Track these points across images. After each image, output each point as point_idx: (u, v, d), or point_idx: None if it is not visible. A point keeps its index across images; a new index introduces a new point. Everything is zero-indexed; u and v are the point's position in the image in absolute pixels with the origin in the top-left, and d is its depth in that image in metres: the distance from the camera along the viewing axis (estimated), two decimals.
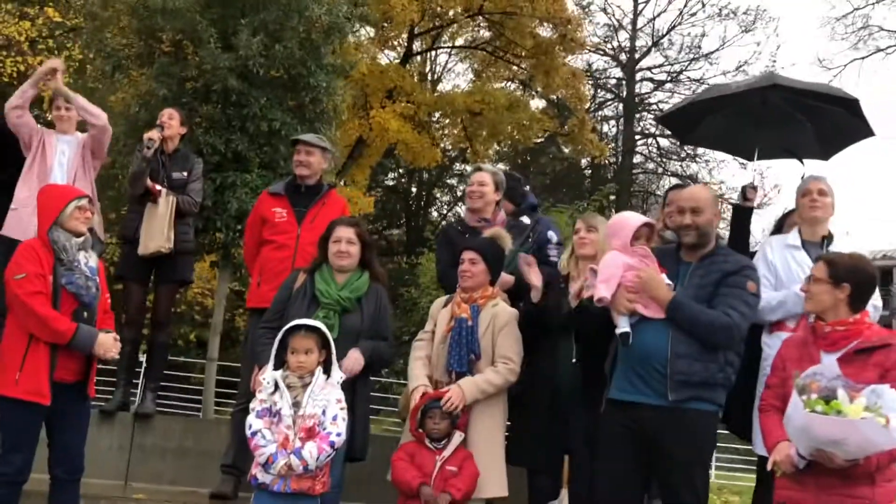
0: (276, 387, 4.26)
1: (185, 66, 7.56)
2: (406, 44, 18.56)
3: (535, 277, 4.79)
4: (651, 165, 32.21)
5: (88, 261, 4.40)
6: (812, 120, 5.14)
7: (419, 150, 16.08)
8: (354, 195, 16.60)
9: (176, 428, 5.92)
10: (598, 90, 31.91)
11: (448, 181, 30.69)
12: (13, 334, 4.22)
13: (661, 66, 31.40)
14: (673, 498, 4.10)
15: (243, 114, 7.54)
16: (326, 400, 4.25)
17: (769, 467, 3.69)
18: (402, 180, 29.40)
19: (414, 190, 31.22)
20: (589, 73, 30.19)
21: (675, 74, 31.12)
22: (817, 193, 4.73)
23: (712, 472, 13.64)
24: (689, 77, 30.65)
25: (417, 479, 4.40)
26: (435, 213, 32.14)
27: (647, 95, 31.77)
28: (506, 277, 5.12)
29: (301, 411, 4.19)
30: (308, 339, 4.29)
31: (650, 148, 32.06)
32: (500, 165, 30.89)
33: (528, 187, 6.12)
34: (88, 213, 4.43)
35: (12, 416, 4.18)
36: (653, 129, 31.43)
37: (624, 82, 31.73)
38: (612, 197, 21.21)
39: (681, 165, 30.98)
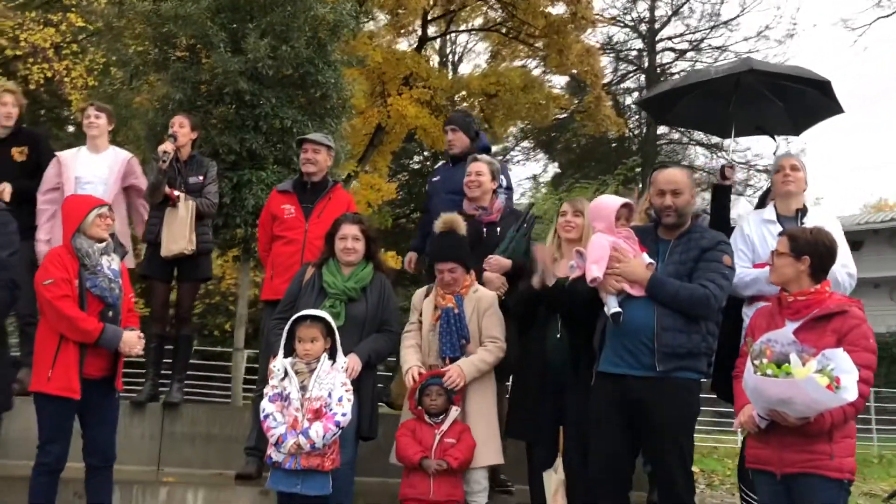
0: (286, 373, 4.63)
1: (199, 70, 7.90)
2: (420, 30, 18.79)
3: (547, 277, 5.00)
4: (676, 136, 32.13)
5: (111, 264, 4.76)
6: (783, 99, 5.38)
7: (437, 134, 16.31)
8: (376, 182, 16.96)
9: (203, 415, 6.31)
10: (620, 62, 31.94)
11: None
12: (45, 335, 4.62)
13: (681, 35, 31.35)
14: (660, 462, 4.41)
15: (256, 113, 7.87)
16: (332, 383, 4.60)
17: (734, 427, 3.98)
18: (427, 163, 29.71)
19: None
20: (609, 46, 30.26)
21: (696, 43, 31.05)
22: (790, 169, 4.99)
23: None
24: (710, 45, 30.60)
25: (419, 454, 4.74)
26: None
27: (669, 65, 31.69)
28: (503, 262, 5.41)
29: (308, 394, 4.55)
30: (313, 329, 4.66)
31: None
32: (525, 143, 31.13)
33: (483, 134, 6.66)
34: (109, 220, 4.79)
35: (47, 411, 4.59)
36: None
37: (645, 53, 31.69)
38: (638, 169, 21.31)
39: (706, 135, 30.96)
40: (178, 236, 5.99)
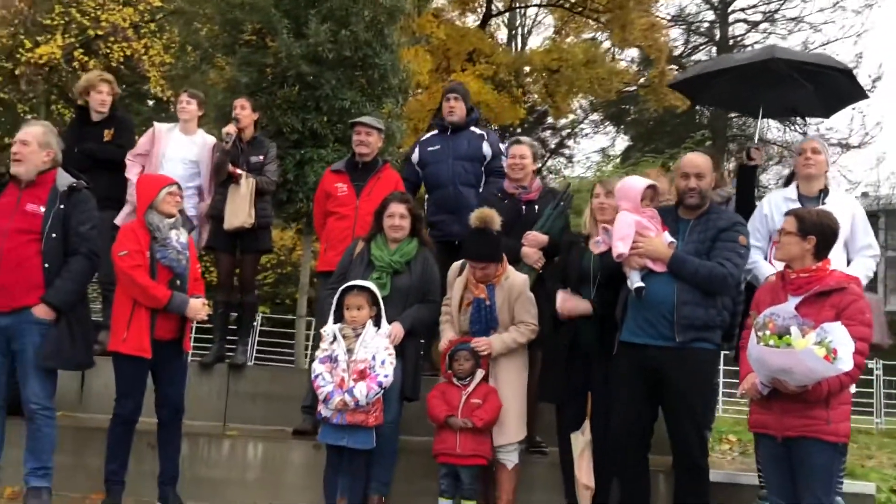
0: (335, 337, 5.11)
1: (264, 54, 8.39)
2: (485, 5, 19.05)
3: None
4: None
5: (179, 237, 5.26)
6: (813, 82, 5.60)
7: (499, 109, 16.64)
8: None
9: (265, 376, 6.83)
10: (691, 35, 31.59)
11: (540, 135, 31.08)
12: (121, 300, 5.16)
13: (754, 6, 30.75)
14: (677, 426, 4.75)
15: (317, 95, 8.33)
16: (376, 347, 5.07)
17: (738, 394, 4.30)
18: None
19: None
20: (681, 18, 29.96)
21: (769, 14, 30.45)
22: (811, 152, 5.23)
23: None
24: (784, 16, 30.00)
25: (444, 412, 5.16)
26: None
27: (741, 37, 31.19)
28: (540, 237, 5.76)
29: (354, 357, 5.03)
30: (359, 298, 5.13)
31: None
32: (594, 116, 31.07)
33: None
34: (178, 197, 5.30)
35: (122, 369, 5.14)
36: None
37: (717, 25, 31.28)
38: (709, 143, 21.24)
39: None
40: (239, 211, 6.49)
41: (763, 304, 4.33)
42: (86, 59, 16.15)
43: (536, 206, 5.98)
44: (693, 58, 31.58)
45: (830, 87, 5.64)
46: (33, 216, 4.99)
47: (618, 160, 25.72)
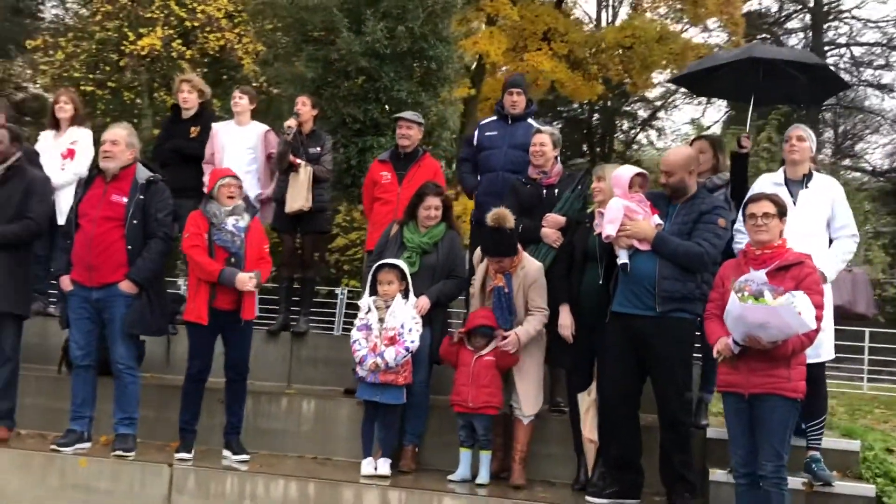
0: (369, 308, 5.93)
1: (329, 51, 9.21)
2: None
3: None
4: (844, 76, 31.07)
5: (238, 222, 6.12)
6: (804, 73, 6.07)
7: (573, 87, 17.11)
8: None
9: (324, 343, 7.69)
10: (784, 2, 31.11)
11: (627, 109, 31.29)
12: (190, 276, 6.10)
13: None
14: (659, 386, 5.38)
15: (376, 87, 9.12)
16: (404, 317, 5.86)
17: (714, 355, 4.89)
18: (580, 111, 30.23)
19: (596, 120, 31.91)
20: None
21: None
22: (796, 140, 5.71)
23: None
24: None
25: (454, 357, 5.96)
26: (622, 137, 33.01)
27: (836, 3, 30.59)
28: (558, 218, 6.40)
29: (385, 325, 5.83)
30: (390, 274, 5.92)
31: (842, 58, 30.95)
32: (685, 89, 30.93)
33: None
34: (232, 188, 6.16)
35: (190, 334, 6.09)
36: (845, 39, 30.49)
37: None
38: (803, 113, 21.11)
39: (873, 74, 29.96)
40: (298, 197, 7.33)
41: (727, 280, 4.89)
42: (183, 49, 17.31)
43: (556, 190, 6.61)
44: (787, 25, 31.24)
45: (820, 77, 6.10)
46: (118, 205, 5.96)
47: (707, 130, 25.83)
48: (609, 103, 29.68)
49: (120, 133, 6.08)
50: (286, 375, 7.52)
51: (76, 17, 22.09)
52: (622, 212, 5.45)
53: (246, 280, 5.97)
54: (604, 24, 24.53)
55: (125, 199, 5.97)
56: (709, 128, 28.32)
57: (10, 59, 23.07)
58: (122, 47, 17.24)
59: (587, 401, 5.83)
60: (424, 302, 6.03)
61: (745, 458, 4.83)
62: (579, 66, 17.95)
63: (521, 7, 17.68)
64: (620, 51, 18.22)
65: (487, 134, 7.36)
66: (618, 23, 20.70)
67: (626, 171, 5.62)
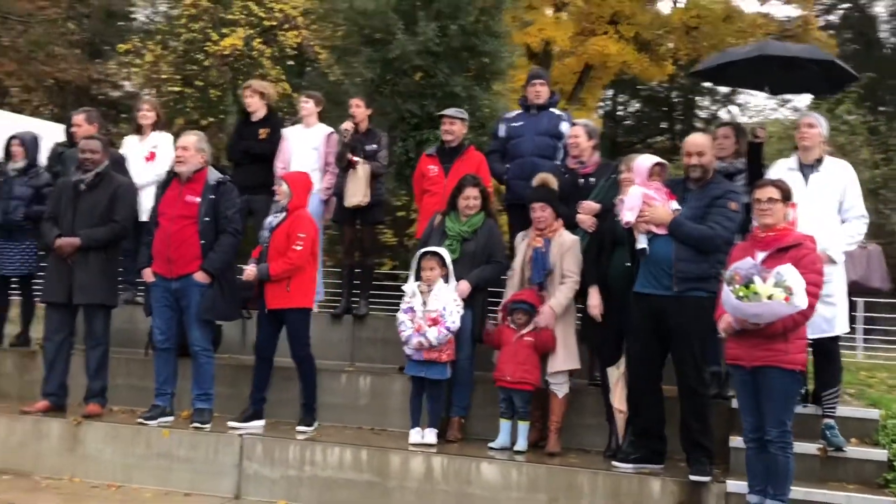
0: (414, 292, 6.51)
1: (386, 51, 9.80)
2: None
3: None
4: None
5: (272, 222, 6.76)
6: (818, 64, 6.37)
7: (641, 68, 17.33)
8: (584, 117, 18.22)
9: (383, 324, 8.30)
10: None
11: (705, 85, 31.03)
12: None
13: None
14: (678, 359, 5.81)
15: (432, 83, 9.67)
16: (445, 300, 6.42)
17: (721, 333, 5.30)
18: (660, 90, 30.19)
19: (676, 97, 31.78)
20: None
21: None
22: (806, 126, 6.05)
23: None
24: None
25: (498, 339, 6.49)
26: (702, 115, 32.80)
27: None
28: (593, 205, 6.85)
29: (428, 307, 6.40)
30: (432, 260, 6.49)
31: None
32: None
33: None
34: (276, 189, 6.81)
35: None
36: None
37: None
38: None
39: None
40: (356, 191, 7.94)
41: (735, 260, 5.30)
42: (263, 47, 18.15)
43: (592, 179, 7.07)
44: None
45: (830, 69, 6.40)
46: (191, 205, 6.69)
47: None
48: (684, 82, 29.59)
49: (190, 140, 6.79)
50: (349, 355, 8.17)
51: (166, 18, 23.25)
52: (641, 199, 5.89)
53: (248, 271, 6.62)
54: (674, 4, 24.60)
55: (198, 199, 6.69)
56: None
57: (105, 61, 24.37)
58: (206, 48, 18.17)
59: (616, 374, 6.29)
60: (465, 286, 6.58)
61: (753, 425, 5.23)
62: (647, 47, 18.12)
63: None
64: (684, 31, 18.31)
65: (513, 125, 7.86)
66: (682, 3, 20.73)
67: (646, 161, 6.05)
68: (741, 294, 4.98)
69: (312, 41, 17.73)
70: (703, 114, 33.02)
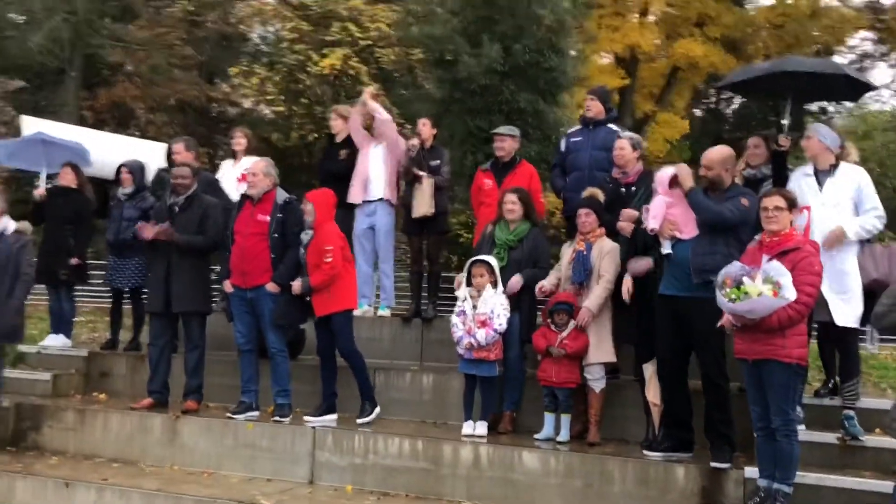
0: (465, 297, 7.17)
1: (455, 72, 10.49)
2: None
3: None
4: None
5: (304, 240, 7.47)
6: (841, 72, 6.71)
7: (728, 69, 17.39)
8: (672, 119, 18.49)
9: (449, 327, 8.93)
10: None
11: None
12: None
13: None
14: (700, 356, 6.28)
15: (498, 99, 10.30)
16: (493, 304, 7.05)
17: (727, 329, 5.73)
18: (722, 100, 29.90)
19: None
20: None
21: None
22: (805, 140, 6.46)
23: None
24: None
25: (545, 344, 7.01)
26: (812, 108, 32.17)
27: None
28: (633, 213, 7.30)
29: (477, 311, 7.05)
30: (481, 268, 7.14)
31: None
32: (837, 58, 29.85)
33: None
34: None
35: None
36: None
37: None
38: None
39: None
40: (422, 204, 8.66)
41: (747, 264, 5.72)
42: (360, 66, 19.10)
43: (634, 188, 7.56)
44: None
45: (851, 79, 6.73)
46: (262, 223, 7.53)
47: None
48: None
49: (260, 165, 7.66)
50: (419, 355, 8.88)
51: (276, 40, 24.58)
52: (664, 207, 6.39)
53: (293, 286, 7.44)
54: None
55: (268, 218, 7.53)
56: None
57: (221, 82, 25.94)
58: (308, 68, 19.25)
59: (650, 369, 6.78)
60: (517, 280, 7.20)
61: (759, 415, 5.67)
62: (735, 47, 18.20)
63: None
64: (770, 30, 18.30)
65: (573, 140, 8.37)
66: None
67: (666, 172, 6.53)
68: (733, 296, 5.45)
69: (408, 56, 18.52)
70: (813, 107, 32.37)
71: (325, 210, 7.56)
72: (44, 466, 7.64)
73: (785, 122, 6.82)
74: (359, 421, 7.51)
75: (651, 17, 19.14)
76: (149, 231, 7.74)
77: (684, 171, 6.31)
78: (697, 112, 28.62)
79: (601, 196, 7.33)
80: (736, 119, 31.99)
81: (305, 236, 7.52)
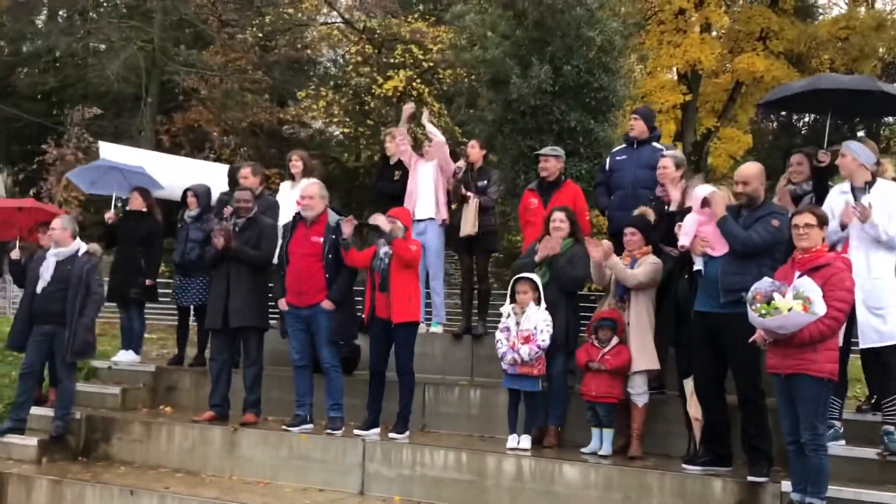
0: (509, 314, 7.37)
1: (506, 93, 10.75)
2: None
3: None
4: None
5: (389, 251, 7.71)
6: (876, 87, 6.75)
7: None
8: (735, 134, 18.39)
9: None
10: None
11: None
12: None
13: None
14: (734, 372, 6.38)
15: (548, 119, 10.51)
16: (536, 320, 7.24)
17: (760, 344, 5.82)
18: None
19: None
20: None
21: None
22: (840, 157, 6.50)
23: None
24: None
25: (586, 359, 7.18)
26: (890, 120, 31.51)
27: None
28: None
29: (521, 327, 7.24)
30: (524, 284, 7.34)
31: None
32: None
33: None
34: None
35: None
36: None
37: None
38: None
39: None
40: (468, 223, 8.91)
41: (778, 279, 5.81)
42: (422, 87, 19.49)
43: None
44: None
45: (889, 95, 6.76)
46: (316, 244, 7.86)
47: None
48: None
49: (313, 189, 8.01)
50: (469, 371, 9.10)
51: (343, 63, 25.23)
52: (696, 225, 6.52)
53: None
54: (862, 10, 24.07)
55: (321, 239, 7.86)
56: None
57: (290, 106, 26.67)
58: (372, 90, 19.76)
59: (690, 385, 6.88)
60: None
61: (790, 429, 5.74)
62: (799, 61, 18.06)
63: (733, 11, 18.16)
64: (835, 43, 18.12)
65: (617, 158, 8.53)
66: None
67: (699, 192, 6.66)
68: (763, 312, 5.55)
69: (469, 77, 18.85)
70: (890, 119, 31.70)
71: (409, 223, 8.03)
72: (112, 475, 8.08)
73: (826, 133, 6.86)
74: (392, 436, 7.71)
75: (713, 33, 19.11)
76: (219, 239, 8.11)
77: (717, 198, 6.41)
78: (768, 125, 28.31)
79: (651, 215, 7.49)
80: (809, 132, 31.53)
81: (384, 250, 7.74)
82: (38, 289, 8.45)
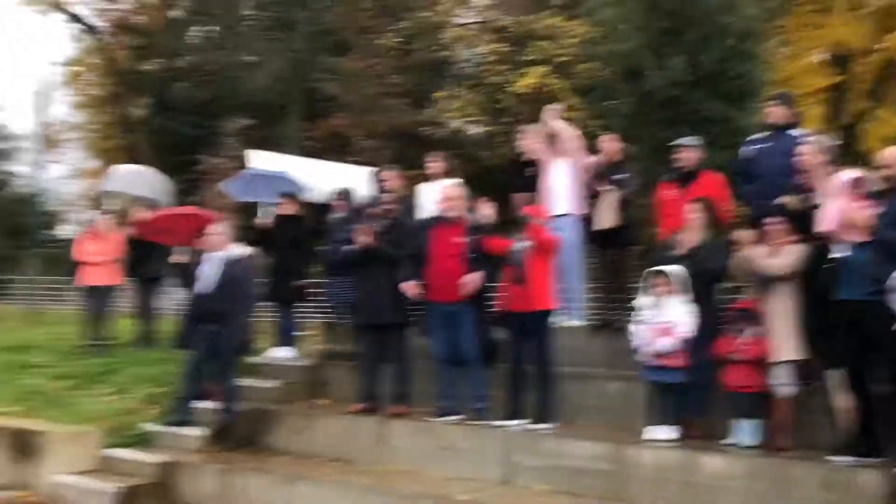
0: (645, 306, 7.45)
1: (641, 85, 10.74)
2: None
3: None
4: None
5: (525, 246, 7.94)
6: None
7: None
8: (888, 117, 17.56)
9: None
10: None
11: None
12: None
13: None
14: (880, 363, 6.25)
15: (684, 110, 10.44)
16: (674, 312, 7.28)
17: None
18: None
19: None
20: None
21: None
22: None
23: None
24: None
25: (725, 350, 7.19)
26: None
27: None
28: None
29: (658, 319, 7.31)
30: (659, 277, 7.39)
31: None
32: None
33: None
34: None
35: None
36: None
37: None
38: None
39: None
40: (604, 217, 9.00)
41: None
42: (555, 82, 19.48)
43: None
44: None
45: None
46: (458, 244, 8.15)
47: None
48: None
49: (456, 190, 8.33)
50: (608, 363, 9.15)
51: (478, 63, 25.54)
52: (839, 211, 6.43)
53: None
54: None
55: (463, 239, 8.15)
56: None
57: (431, 106, 27.21)
58: (506, 88, 19.96)
59: (836, 375, 6.79)
60: None
61: None
62: None
63: None
64: None
65: (754, 146, 8.39)
66: None
67: (843, 176, 6.56)
68: None
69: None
70: None
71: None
72: (273, 464, 8.62)
73: None
74: (533, 427, 7.92)
75: (863, 10, 18.30)
76: (363, 238, 8.52)
77: (856, 218, 6.30)
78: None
79: (794, 204, 7.36)
80: None
81: (520, 244, 7.98)
82: (200, 290, 9.10)
